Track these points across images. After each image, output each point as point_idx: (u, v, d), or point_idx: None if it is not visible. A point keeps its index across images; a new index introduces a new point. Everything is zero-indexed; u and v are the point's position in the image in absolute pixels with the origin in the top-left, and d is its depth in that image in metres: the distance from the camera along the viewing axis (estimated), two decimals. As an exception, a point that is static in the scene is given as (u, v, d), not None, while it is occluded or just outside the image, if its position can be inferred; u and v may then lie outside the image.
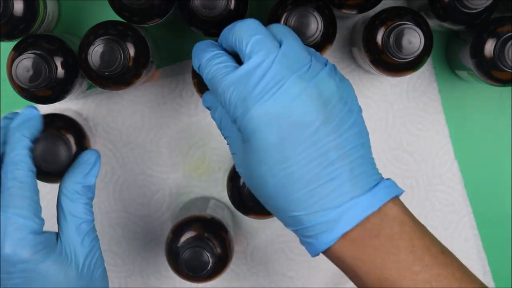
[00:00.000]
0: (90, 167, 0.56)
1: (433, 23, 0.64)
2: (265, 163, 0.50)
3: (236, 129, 0.52)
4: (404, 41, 0.59)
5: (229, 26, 0.53)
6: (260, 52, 0.50)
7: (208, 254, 0.61)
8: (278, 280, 0.74)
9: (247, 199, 0.60)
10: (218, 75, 0.51)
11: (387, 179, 0.52)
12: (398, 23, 0.59)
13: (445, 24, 0.63)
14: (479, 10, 0.59)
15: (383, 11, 0.63)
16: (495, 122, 0.72)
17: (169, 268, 0.65)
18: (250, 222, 0.72)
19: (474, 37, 0.63)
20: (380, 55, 0.62)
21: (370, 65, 0.63)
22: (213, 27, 0.59)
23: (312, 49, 0.53)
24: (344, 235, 0.49)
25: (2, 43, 0.70)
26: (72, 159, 0.60)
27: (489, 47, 0.61)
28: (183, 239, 0.63)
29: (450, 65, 0.71)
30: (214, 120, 0.55)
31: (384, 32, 0.60)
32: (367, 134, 0.52)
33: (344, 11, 0.62)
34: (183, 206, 0.72)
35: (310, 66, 0.50)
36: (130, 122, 0.72)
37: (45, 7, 0.64)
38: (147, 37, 0.64)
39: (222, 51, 0.53)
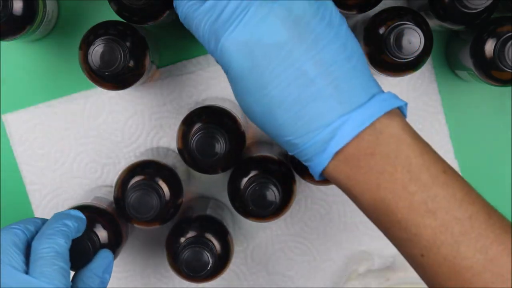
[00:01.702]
0: (107, 265, 0.59)
1: (433, 23, 0.64)
2: (246, 92, 0.49)
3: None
4: (404, 41, 0.59)
5: None
6: None
7: (208, 254, 0.61)
8: (278, 280, 0.74)
9: (247, 202, 0.60)
10: (190, 13, 0.50)
11: (386, 92, 0.49)
12: (398, 23, 0.59)
13: (445, 24, 0.63)
14: (479, 10, 0.59)
15: (383, 11, 0.63)
16: (495, 122, 0.72)
17: (169, 268, 0.65)
18: (250, 222, 0.72)
19: (474, 37, 0.63)
20: (380, 55, 0.62)
21: (370, 65, 0.63)
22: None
23: None
24: (338, 154, 0.48)
25: (2, 42, 0.70)
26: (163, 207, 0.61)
27: (489, 47, 0.61)
28: (183, 239, 0.63)
29: (450, 65, 0.71)
30: None
31: (384, 32, 0.60)
32: (357, 45, 0.49)
33: (344, 11, 0.62)
34: (183, 206, 0.72)
35: None
36: (131, 122, 0.72)
37: (45, 6, 0.64)
38: (147, 37, 0.64)
39: None
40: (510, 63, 0.59)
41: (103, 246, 0.62)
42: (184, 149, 0.62)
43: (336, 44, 0.48)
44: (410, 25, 0.59)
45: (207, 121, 0.61)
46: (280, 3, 0.47)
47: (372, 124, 0.47)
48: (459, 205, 0.47)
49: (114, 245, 0.63)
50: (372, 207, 0.48)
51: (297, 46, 0.47)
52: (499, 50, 0.59)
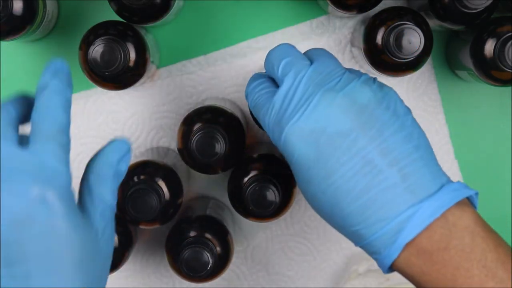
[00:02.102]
0: (123, 153, 0.50)
1: (433, 23, 0.64)
2: (311, 183, 0.49)
3: None
4: (404, 41, 0.59)
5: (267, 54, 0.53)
6: (289, 73, 0.49)
7: (208, 254, 0.61)
8: (278, 280, 0.74)
9: (247, 202, 0.60)
10: (259, 103, 0.51)
11: (455, 182, 0.48)
12: (398, 23, 0.59)
13: (445, 24, 0.63)
14: (479, 10, 0.59)
15: (383, 11, 0.63)
16: (495, 122, 0.72)
17: (169, 267, 0.65)
18: (250, 222, 0.72)
19: (474, 37, 0.63)
20: (380, 55, 0.62)
21: (370, 65, 0.63)
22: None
23: (353, 69, 0.52)
24: (409, 247, 0.46)
25: (2, 42, 0.70)
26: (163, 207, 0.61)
27: (489, 47, 0.61)
28: (183, 239, 0.63)
29: (450, 65, 0.71)
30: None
31: (384, 32, 0.60)
32: (423, 135, 0.49)
33: (344, 11, 0.62)
34: (183, 206, 0.72)
35: (341, 79, 0.49)
36: (131, 122, 0.72)
37: (45, 6, 0.64)
38: (147, 37, 0.64)
39: (265, 79, 0.53)
40: (510, 63, 0.59)
41: (114, 248, 0.61)
42: (184, 149, 0.62)
43: (402, 134, 0.48)
44: (410, 25, 0.59)
45: (207, 121, 0.61)
46: (344, 92, 0.48)
47: (444, 215, 0.46)
48: None
49: (126, 247, 0.63)
50: None
51: (362, 135, 0.47)
52: (499, 50, 0.59)
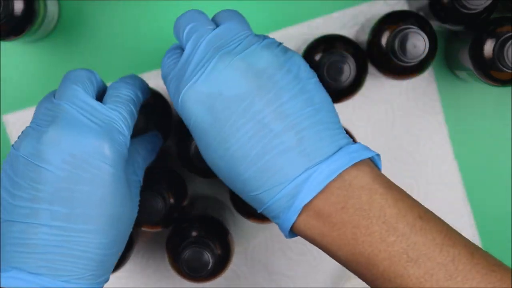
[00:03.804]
0: (156, 143, 0.59)
1: (432, 23, 0.64)
2: (209, 148, 0.48)
3: None
4: (409, 45, 0.59)
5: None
6: (191, 38, 0.49)
7: (208, 254, 0.61)
8: (278, 280, 0.74)
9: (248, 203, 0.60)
10: (166, 71, 0.51)
11: (354, 143, 0.48)
12: (403, 27, 0.59)
13: (445, 25, 0.63)
14: (478, 10, 0.59)
15: (388, 15, 0.63)
16: (495, 122, 0.73)
17: (169, 267, 0.65)
18: (250, 222, 0.72)
19: (474, 37, 0.63)
20: (385, 59, 0.62)
21: (375, 68, 0.64)
22: None
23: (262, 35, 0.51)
24: (306, 209, 0.46)
25: (2, 43, 0.70)
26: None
27: (488, 47, 0.61)
28: (184, 239, 0.63)
29: (449, 65, 0.71)
30: None
31: (389, 36, 0.60)
32: (326, 99, 0.49)
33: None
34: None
35: (241, 43, 0.48)
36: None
37: (45, 6, 0.64)
38: None
39: (177, 49, 0.52)
40: (509, 63, 0.59)
41: None
42: (183, 154, 0.62)
43: (302, 97, 0.47)
44: (414, 29, 0.59)
45: None
46: (242, 56, 0.47)
47: (341, 176, 0.46)
48: (440, 249, 0.45)
49: (126, 248, 0.63)
50: (352, 262, 0.47)
51: (258, 99, 0.46)
52: (498, 51, 0.59)
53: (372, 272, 0.46)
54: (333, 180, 0.46)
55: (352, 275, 0.72)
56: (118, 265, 0.65)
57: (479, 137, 0.73)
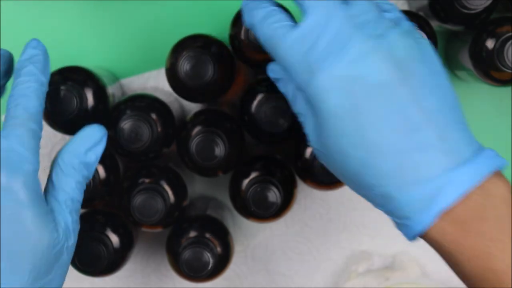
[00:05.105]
0: (93, 143, 0.49)
1: (432, 23, 0.64)
2: (343, 135, 0.44)
3: (305, 102, 0.46)
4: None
5: None
6: (319, 7, 0.44)
7: (208, 254, 0.61)
8: (278, 280, 0.74)
9: (248, 203, 0.61)
10: (276, 37, 0.45)
11: (489, 148, 0.45)
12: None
13: (445, 25, 0.63)
14: (478, 10, 0.59)
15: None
16: (495, 122, 0.73)
17: (169, 267, 0.65)
18: (250, 222, 0.72)
19: (473, 37, 0.63)
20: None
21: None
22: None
23: (387, 2, 0.47)
24: (444, 214, 0.43)
25: (1, 43, 0.70)
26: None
27: (488, 47, 0.61)
28: (184, 239, 0.63)
29: (449, 65, 0.71)
30: (283, 93, 0.49)
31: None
32: (456, 98, 0.45)
33: None
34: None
35: (381, 25, 0.44)
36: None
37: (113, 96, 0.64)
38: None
39: (277, 7, 0.47)
40: (509, 63, 0.59)
41: (115, 249, 0.62)
42: (184, 153, 0.62)
43: (440, 93, 0.44)
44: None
45: (206, 125, 0.61)
46: (383, 41, 0.44)
47: (481, 183, 0.43)
48: None
49: (126, 248, 0.63)
50: (479, 276, 0.43)
51: (400, 89, 0.43)
52: (498, 50, 0.59)
53: None
54: (474, 186, 0.43)
55: (351, 275, 0.72)
56: (118, 265, 0.65)
57: (479, 137, 0.72)
